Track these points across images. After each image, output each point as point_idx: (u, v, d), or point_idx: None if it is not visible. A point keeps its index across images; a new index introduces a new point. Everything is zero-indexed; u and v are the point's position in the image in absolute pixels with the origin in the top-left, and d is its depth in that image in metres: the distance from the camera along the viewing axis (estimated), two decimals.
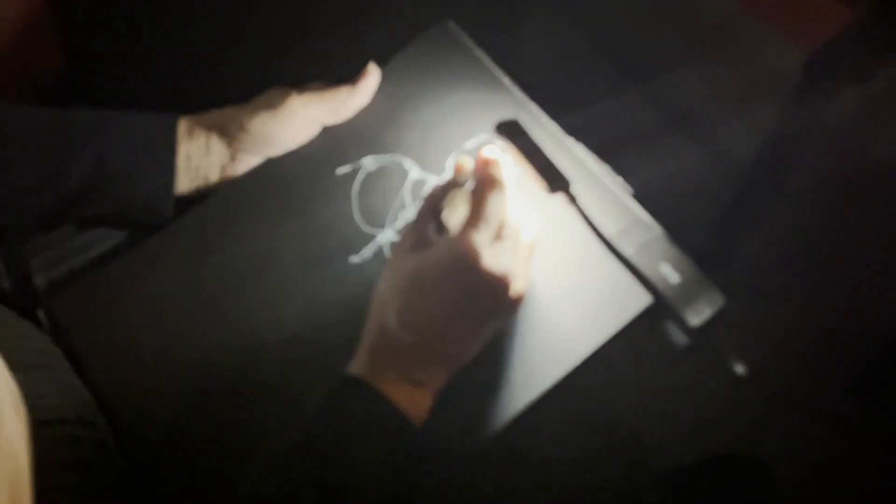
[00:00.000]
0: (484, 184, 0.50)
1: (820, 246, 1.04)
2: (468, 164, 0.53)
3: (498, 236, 0.50)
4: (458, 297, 0.48)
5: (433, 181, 0.58)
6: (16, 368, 0.41)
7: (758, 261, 1.03)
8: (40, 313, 0.56)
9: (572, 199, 0.50)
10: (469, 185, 0.51)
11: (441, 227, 0.48)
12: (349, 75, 0.61)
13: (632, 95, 0.83)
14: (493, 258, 0.48)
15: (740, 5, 0.97)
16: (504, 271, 0.48)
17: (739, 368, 0.49)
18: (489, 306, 0.49)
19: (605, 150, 0.62)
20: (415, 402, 0.48)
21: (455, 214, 0.49)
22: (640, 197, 0.58)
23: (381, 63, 0.62)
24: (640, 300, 0.51)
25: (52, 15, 0.74)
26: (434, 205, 0.53)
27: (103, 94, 0.79)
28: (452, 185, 0.53)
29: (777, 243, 1.04)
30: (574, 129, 0.60)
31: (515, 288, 0.49)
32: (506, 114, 0.59)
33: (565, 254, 0.54)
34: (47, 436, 0.47)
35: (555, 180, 0.50)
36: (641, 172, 0.65)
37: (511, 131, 0.53)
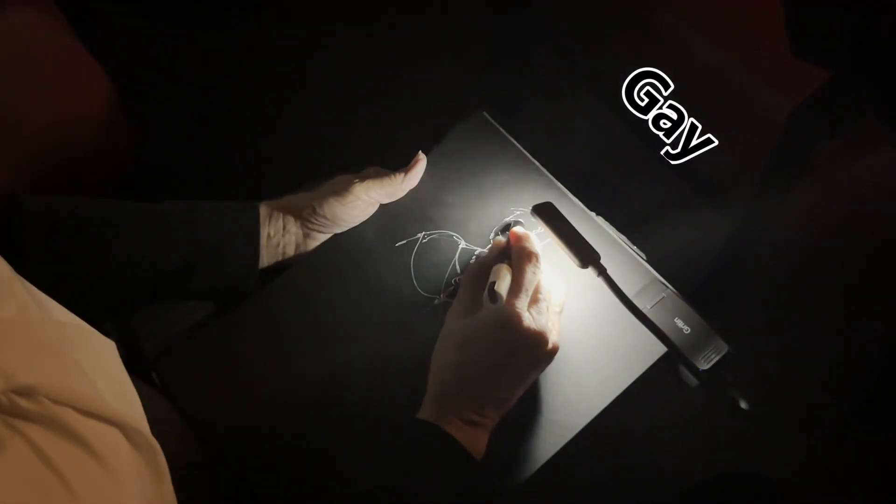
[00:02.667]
0: (521, 257, 0.61)
1: (811, 280, 1.14)
2: (503, 242, 0.64)
3: (534, 300, 0.60)
4: (503, 353, 0.58)
5: (478, 252, 0.68)
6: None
7: (755, 297, 1.13)
8: (153, 375, 0.66)
9: (601, 271, 0.60)
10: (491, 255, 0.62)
11: (495, 296, 0.58)
12: (401, 161, 0.72)
13: (638, 163, 0.93)
14: (531, 320, 0.58)
15: (734, 63, 1.07)
16: (541, 329, 0.58)
17: (744, 404, 0.59)
18: (530, 359, 0.59)
19: (619, 218, 0.72)
20: (473, 441, 0.57)
21: (503, 284, 0.59)
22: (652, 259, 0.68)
23: (426, 150, 0.72)
24: (655, 351, 0.62)
25: (128, 117, 0.84)
26: (474, 276, 0.63)
27: (173, 181, 0.89)
28: (490, 259, 0.63)
29: (771, 280, 1.13)
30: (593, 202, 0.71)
31: (551, 340, 0.59)
32: (535, 192, 0.69)
33: (594, 313, 0.64)
34: (176, 479, 0.57)
35: (585, 256, 0.60)
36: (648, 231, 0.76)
37: (545, 212, 0.63)
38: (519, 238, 0.63)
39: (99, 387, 0.45)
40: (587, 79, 1.16)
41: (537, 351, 0.58)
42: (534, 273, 0.60)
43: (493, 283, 0.58)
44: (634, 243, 0.69)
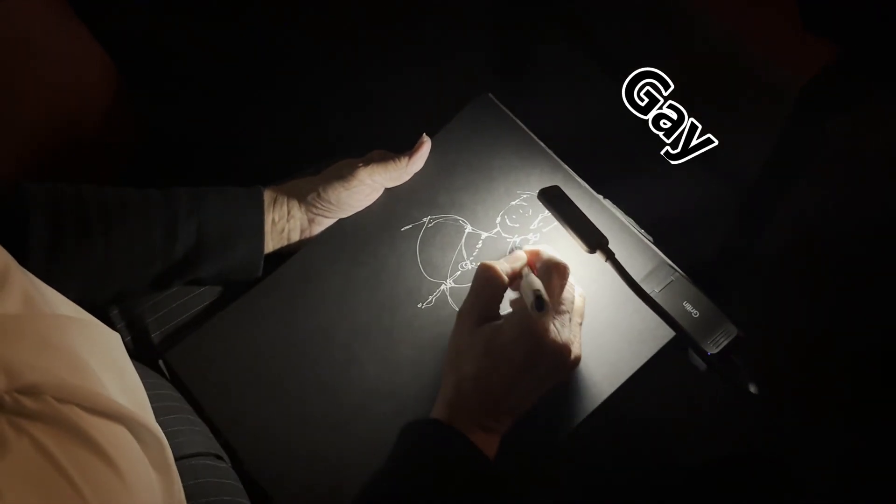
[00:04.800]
0: (552, 270, 0.59)
1: (822, 260, 1.13)
2: (523, 255, 0.62)
3: (558, 312, 0.58)
4: (526, 364, 0.56)
5: (485, 236, 0.68)
6: (155, 415, 0.51)
7: (764, 278, 1.12)
8: (161, 363, 0.66)
9: (609, 255, 0.59)
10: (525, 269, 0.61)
11: (542, 304, 0.55)
12: (405, 144, 0.71)
13: (646, 146, 0.91)
14: (556, 333, 0.57)
15: (743, 37, 1.05)
16: (565, 341, 0.57)
17: (753, 388, 0.58)
18: (553, 371, 0.58)
19: (627, 201, 0.72)
20: (486, 445, 0.57)
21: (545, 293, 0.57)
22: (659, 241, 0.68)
23: (431, 133, 0.71)
24: (664, 335, 0.61)
25: (133, 103, 0.83)
26: (487, 282, 0.60)
27: (177, 167, 0.89)
28: (509, 270, 0.61)
29: (781, 261, 1.12)
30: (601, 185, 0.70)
31: (574, 352, 0.58)
32: (542, 175, 0.68)
33: (602, 297, 0.63)
34: (187, 467, 0.57)
35: (593, 240, 0.60)
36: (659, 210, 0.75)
37: (552, 196, 0.63)
38: (541, 252, 0.61)
39: (105, 381, 0.45)
40: (597, 59, 1.14)
41: (561, 363, 0.57)
42: (561, 287, 0.59)
43: (539, 290, 0.55)
44: (642, 226, 0.68)
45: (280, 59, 1.07)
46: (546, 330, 0.56)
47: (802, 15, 0.95)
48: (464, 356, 0.58)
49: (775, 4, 0.97)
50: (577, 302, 0.61)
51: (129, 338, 0.68)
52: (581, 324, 0.61)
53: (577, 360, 0.58)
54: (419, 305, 0.66)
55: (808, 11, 0.95)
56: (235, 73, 1.04)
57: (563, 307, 0.59)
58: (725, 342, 0.59)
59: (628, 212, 0.69)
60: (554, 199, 0.62)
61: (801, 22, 0.95)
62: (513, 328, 0.57)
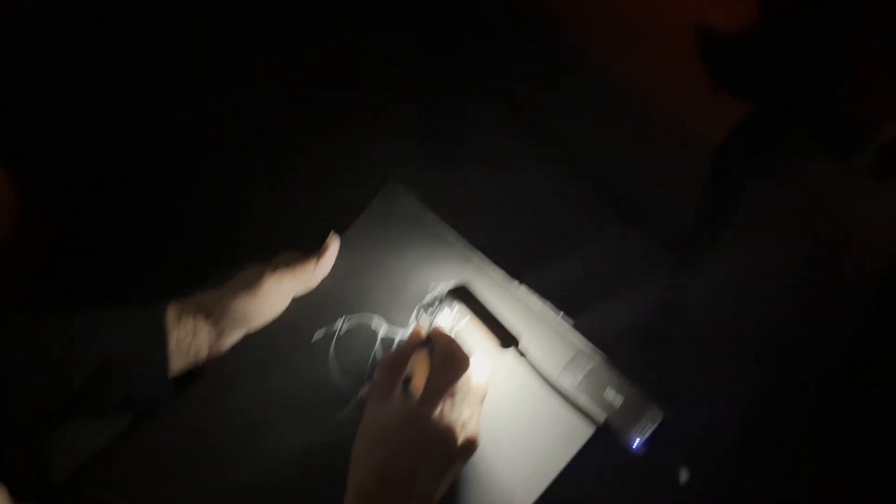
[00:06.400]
0: (446, 364, 0.57)
1: (757, 312, 1.12)
2: (424, 328, 0.61)
3: (449, 394, 0.56)
4: (416, 449, 0.54)
5: (401, 335, 0.65)
6: None
7: (700, 333, 1.11)
8: None
9: (522, 353, 0.57)
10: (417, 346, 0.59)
11: (409, 393, 0.54)
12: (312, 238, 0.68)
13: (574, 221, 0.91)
14: (440, 415, 0.55)
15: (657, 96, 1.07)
16: (451, 423, 0.55)
17: (684, 476, 0.56)
18: (443, 454, 0.55)
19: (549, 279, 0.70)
20: None
21: (420, 381, 0.55)
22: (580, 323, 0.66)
23: (342, 225, 0.69)
24: (585, 431, 0.59)
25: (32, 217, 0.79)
26: (391, 363, 0.59)
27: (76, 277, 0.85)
28: (409, 346, 0.60)
29: (716, 315, 1.12)
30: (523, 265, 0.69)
31: (465, 434, 0.56)
32: (454, 264, 0.67)
33: (523, 392, 0.61)
34: None
35: (505, 338, 0.58)
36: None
37: (461, 296, 0.61)
38: (445, 340, 0.59)
39: None
40: (523, 132, 1.14)
41: (447, 446, 0.55)
42: (453, 377, 0.57)
43: (408, 379, 0.54)
44: (566, 301, 0.66)
45: (180, 152, 1.05)
46: (428, 414, 0.55)
47: (710, 75, 0.97)
48: (362, 445, 0.57)
49: (688, 63, 0.99)
50: (478, 378, 0.59)
51: (27, 481, 0.63)
52: (482, 401, 0.58)
53: (471, 440, 0.56)
54: (337, 416, 0.63)
55: (715, 72, 0.97)
56: (144, 166, 1.01)
57: (456, 386, 0.57)
58: (652, 428, 0.58)
59: (551, 288, 0.67)
60: (463, 299, 0.60)
61: (711, 81, 0.97)
62: (399, 413, 0.56)
